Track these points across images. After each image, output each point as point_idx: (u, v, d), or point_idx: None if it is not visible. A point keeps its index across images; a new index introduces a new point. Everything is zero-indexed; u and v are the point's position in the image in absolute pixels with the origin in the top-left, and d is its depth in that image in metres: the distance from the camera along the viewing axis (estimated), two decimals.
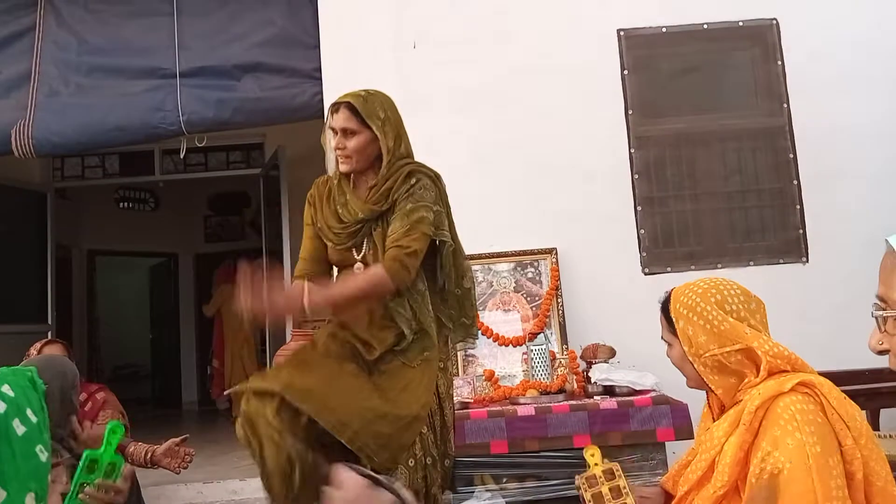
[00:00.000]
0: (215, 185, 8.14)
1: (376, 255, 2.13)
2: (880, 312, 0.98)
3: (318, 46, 4.06)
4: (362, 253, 2.17)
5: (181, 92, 4.19)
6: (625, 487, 1.67)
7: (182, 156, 4.71)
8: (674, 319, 1.61)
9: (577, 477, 1.78)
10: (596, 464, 1.76)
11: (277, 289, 1.86)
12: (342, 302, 2.03)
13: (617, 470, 1.73)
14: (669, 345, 1.66)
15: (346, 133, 2.14)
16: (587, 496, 1.69)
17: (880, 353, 1.01)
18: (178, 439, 2.88)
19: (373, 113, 2.14)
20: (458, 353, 3.49)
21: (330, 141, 2.19)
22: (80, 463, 1.67)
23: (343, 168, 2.17)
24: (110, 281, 9.57)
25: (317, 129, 4.07)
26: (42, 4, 4.40)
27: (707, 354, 1.54)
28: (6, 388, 0.97)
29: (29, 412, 0.97)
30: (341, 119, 2.14)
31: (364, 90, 2.21)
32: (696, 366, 1.57)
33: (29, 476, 0.95)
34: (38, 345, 3.30)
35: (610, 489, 1.63)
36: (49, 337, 4.38)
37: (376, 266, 2.04)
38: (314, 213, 2.24)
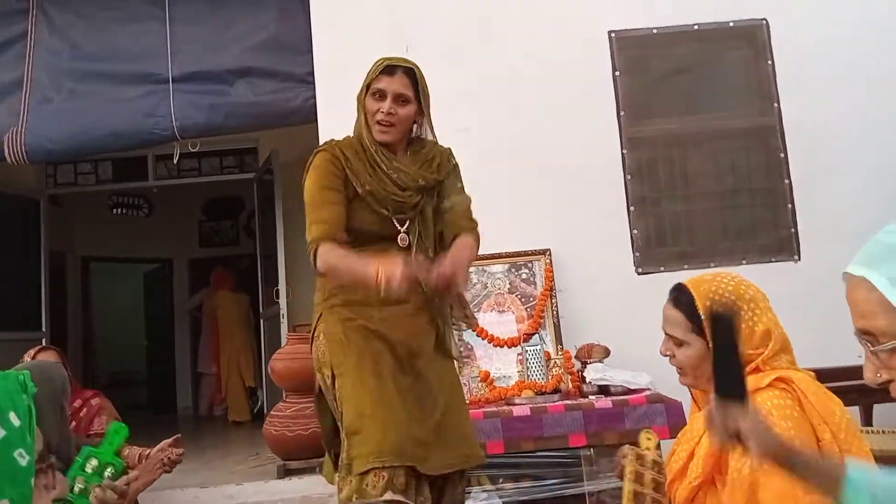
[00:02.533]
0: (209, 190, 8.14)
1: (424, 227, 2.10)
2: (877, 347, 0.98)
3: (310, 51, 4.07)
4: (405, 224, 2.08)
5: (174, 97, 4.20)
6: (664, 486, 1.62)
7: (176, 161, 4.72)
8: (703, 318, 1.52)
9: (625, 447, 1.69)
10: (648, 448, 1.69)
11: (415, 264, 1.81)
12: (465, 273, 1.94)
13: (664, 467, 1.67)
14: (683, 344, 1.57)
15: (399, 100, 2.03)
16: (629, 469, 1.61)
17: (881, 385, 1.02)
18: (170, 440, 2.87)
19: (425, 86, 2.08)
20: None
21: (370, 103, 2.05)
22: (79, 458, 1.66)
23: (382, 136, 2.05)
24: (105, 287, 9.54)
25: (310, 133, 4.11)
26: (34, 11, 4.40)
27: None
28: None
29: (12, 415, 0.95)
30: (399, 84, 2.02)
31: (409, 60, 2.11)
32: None
33: (3, 481, 0.94)
34: (31, 352, 3.28)
35: (652, 479, 1.60)
36: (43, 344, 4.39)
37: (467, 236, 2.04)
38: (353, 177, 2.05)
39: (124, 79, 4.29)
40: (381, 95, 2.03)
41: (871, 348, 0.98)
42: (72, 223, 8.07)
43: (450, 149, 2.21)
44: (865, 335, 0.99)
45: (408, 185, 2.07)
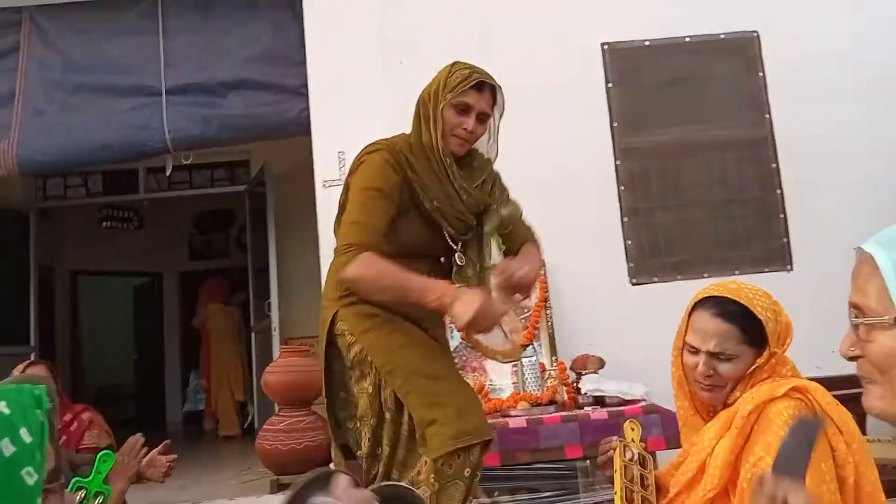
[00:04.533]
0: (199, 203, 8.10)
1: (479, 250, 2.08)
2: (858, 319, 1.00)
3: (304, 63, 4.07)
4: (459, 244, 2.05)
5: (167, 109, 4.19)
6: (651, 486, 1.61)
7: (168, 174, 4.70)
8: (764, 323, 1.49)
9: (615, 438, 1.66)
10: (633, 440, 1.67)
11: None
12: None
13: (650, 461, 1.65)
14: (733, 359, 1.51)
15: (481, 118, 2.01)
16: (618, 463, 1.59)
17: (851, 359, 1.03)
18: (160, 448, 2.83)
19: (503, 106, 2.08)
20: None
21: (451, 115, 1.97)
22: (68, 489, 1.63)
23: (457, 149, 2.00)
24: (94, 301, 9.46)
25: (303, 145, 4.11)
26: (26, 23, 4.39)
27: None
28: (2, 406, 0.94)
29: (23, 431, 0.93)
30: (485, 102, 1.99)
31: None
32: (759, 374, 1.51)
33: (8, 501, 0.92)
34: (21, 366, 3.25)
35: (641, 475, 1.58)
36: (32, 359, 4.34)
37: (532, 244, 2.09)
38: (420, 190, 1.97)
39: (117, 91, 4.28)
40: (466, 110, 1.96)
41: (855, 320, 0.99)
42: (61, 237, 8.01)
43: (489, 159, 2.17)
44: (854, 308, 1.00)
45: (471, 206, 2.04)
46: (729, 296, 1.54)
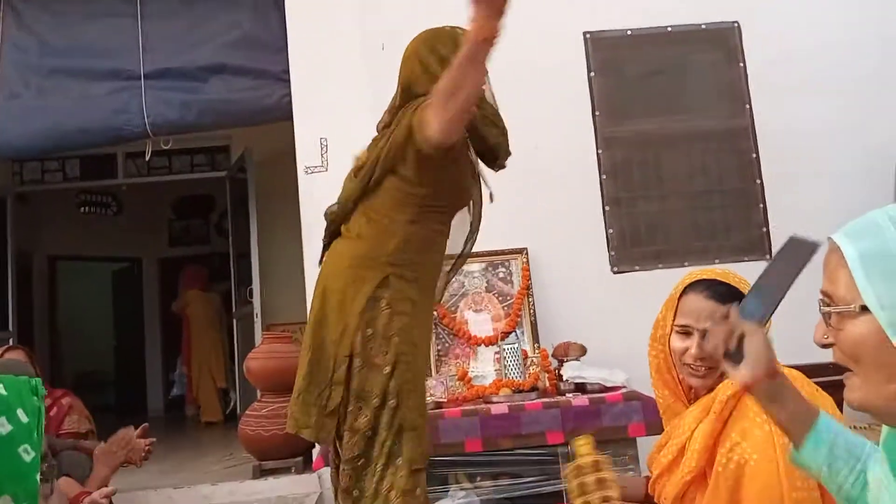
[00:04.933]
0: (179, 188, 8.04)
1: None
2: (826, 308, 1.03)
3: (285, 49, 4.04)
4: None
5: (146, 94, 4.13)
6: (610, 480, 1.64)
7: (147, 159, 4.65)
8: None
9: (567, 465, 1.67)
10: (583, 455, 1.68)
11: None
12: None
13: (603, 462, 1.66)
14: None
15: None
16: (573, 485, 1.62)
17: (824, 346, 1.06)
18: (138, 430, 2.82)
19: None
20: (431, 353, 3.50)
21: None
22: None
23: None
24: (72, 287, 9.37)
25: (284, 130, 4.08)
26: (1, 6, 4.30)
27: None
28: None
29: (20, 412, 0.95)
30: None
31: None
32: None
33: (6, 477, 0.93)
34: None
35: (595, 480, 1.62)
36: (10, 344, 4.30)
37: None
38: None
39: (94, 75, 4.22)
40: None
41: (824, 309, 1.03)
42: (38, 222, 7.91)
43: None
44: (825, 296, 1.03)
45: None
46: (719, 278, 1.57)
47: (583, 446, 1.67)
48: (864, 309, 0.96)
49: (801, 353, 2.66)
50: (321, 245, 2.23)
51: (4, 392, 0.95)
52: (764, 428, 1.40)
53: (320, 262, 2.19)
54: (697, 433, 1.50)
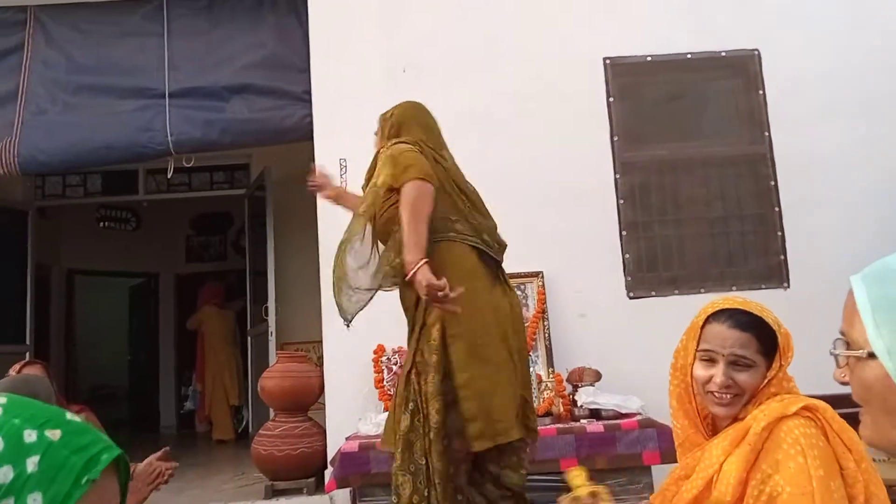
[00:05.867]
0: (197, 205, 8.10)
1: None
2: (836, 351, 1.02)
3: (308, 69, 4.09)
4: None
5: (170, 112, 4.20)
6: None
7: (169, 176, 4.70)
8: (777, 333, 1.56)
9: (560, 499, 1.66)
10: (579, 486, 1.67)
11: None
12: None
13: (602, 492, 1.65)
14: (752, 367, 1.53)
15: None
16: None
17: (843, 384, 1.05)
18: (158, 453, 2.82)
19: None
20: None
21: None
22: None
23: None
24: (89, 301, 9.44)
25: (305, 150, 4.12)
26: (31, 23, 4.40)
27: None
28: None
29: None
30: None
31: None
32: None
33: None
34: (17, 366, 3.25)
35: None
36: (27, 358, 4.33)
37: None
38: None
39: (120, 92, 4.29)
40: None
41: (834, 351, 1.02)
42: (58, 236, 8.01)
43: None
44: (842, 335, 1.03)
45: None
46: (741, 307, 1.56)
47: (576, 477, 1.66)
48: (873, 355, 0.96)
49: (822, 383, 2.64)
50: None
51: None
52: (798, 460, 1.38)
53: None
54: (728, 465, 1.47)
